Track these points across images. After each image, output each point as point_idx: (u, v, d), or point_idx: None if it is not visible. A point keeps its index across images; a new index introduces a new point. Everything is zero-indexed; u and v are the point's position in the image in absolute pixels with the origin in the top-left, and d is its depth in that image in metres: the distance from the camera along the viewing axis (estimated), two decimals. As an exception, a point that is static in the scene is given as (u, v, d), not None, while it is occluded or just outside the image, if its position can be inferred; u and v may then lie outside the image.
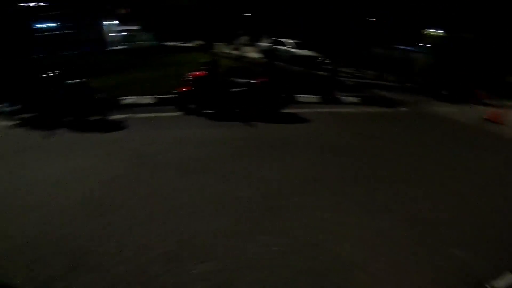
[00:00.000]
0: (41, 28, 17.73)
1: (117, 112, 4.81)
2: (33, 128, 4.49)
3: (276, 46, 12.55)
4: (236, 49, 13.34)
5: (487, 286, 1.04)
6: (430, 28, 11.31)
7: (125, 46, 21.87)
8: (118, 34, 26.42)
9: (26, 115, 4.73)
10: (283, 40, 12.47)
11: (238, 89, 4.71)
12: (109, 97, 4.50)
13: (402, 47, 11.01)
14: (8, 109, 4.84)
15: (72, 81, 4.38)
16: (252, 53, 14.64)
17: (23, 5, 15.14)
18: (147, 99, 5.48)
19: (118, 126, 4.39)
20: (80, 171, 2.98)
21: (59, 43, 15.00)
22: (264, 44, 14.25)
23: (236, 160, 3.26)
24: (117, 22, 24.78)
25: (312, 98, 6.50)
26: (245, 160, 3.25)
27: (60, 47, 14.30)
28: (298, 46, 11.96)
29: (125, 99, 5.42)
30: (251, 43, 16.39)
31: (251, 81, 4.81)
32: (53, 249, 1.89)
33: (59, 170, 3.02)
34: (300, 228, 2.15)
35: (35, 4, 16.03)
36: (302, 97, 6.29)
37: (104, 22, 22.75)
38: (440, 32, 11.20)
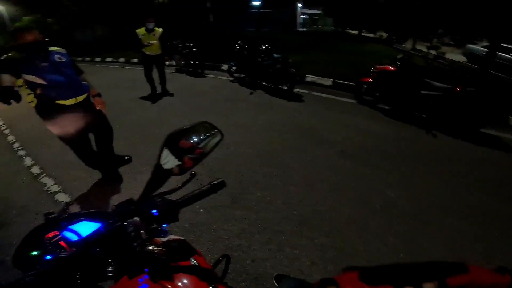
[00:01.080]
0: (251, 6, 21.61)
1: (299, 86, 5.60)
2: (242, 85, 6.13)
3: (499, 53, 9.55)
4: (432, 47, 11.35)
5: None
6: None
7: (306, 29, 23.06)
8: (302, 16, 28.26)
9: (240, 75, 6.54)
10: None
11: (431, 92, 4.16)
12: (298, 73, 5.24)
13: None
14: (229, 68, 6.78)
15: (278, 55, 5.43)
16: (454, 55, 12.00)
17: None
18: (326, 81, 5.94)
19: (298, 98, 5.15)
20: (263, 122, 3.92)
21: (262, 21, 18.15)
22: (475, 47, 11.24)
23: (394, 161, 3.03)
24: (301, 5, 26.41)
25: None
26: (403, 169, 2.97)
27: (262, 24, 17.31)
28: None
29: (307, 76, 6.10)
30: (454, 43, 13.29)
31: (450, 86, 4.09)
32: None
33: (247, 119, 4.09)
34: None
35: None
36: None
37: (297, 4, 24.91)
38: None
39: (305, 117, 4.22)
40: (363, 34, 20.35)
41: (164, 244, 0.64)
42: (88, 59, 16.15)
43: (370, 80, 4.78)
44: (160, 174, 0.65)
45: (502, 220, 2.18)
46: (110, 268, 0.61)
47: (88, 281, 0.62)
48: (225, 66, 7.82)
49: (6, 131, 5.00)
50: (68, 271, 0.61)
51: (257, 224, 2.15)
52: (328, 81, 5.92)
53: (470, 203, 2.37)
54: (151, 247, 0.60)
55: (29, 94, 2.19)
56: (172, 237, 0.69)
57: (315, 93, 5.47)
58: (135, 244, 0.61)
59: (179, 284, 0.58)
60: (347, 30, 21.93)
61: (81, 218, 0.70)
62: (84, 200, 2.61)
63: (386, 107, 4.69)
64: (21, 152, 3.95)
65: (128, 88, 6.90)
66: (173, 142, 0.65)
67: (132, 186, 2.78)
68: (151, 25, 5.15)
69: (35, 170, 3.33)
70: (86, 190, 2.80)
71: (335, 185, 2.59)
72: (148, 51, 5.33)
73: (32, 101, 2.22)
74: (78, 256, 0.63)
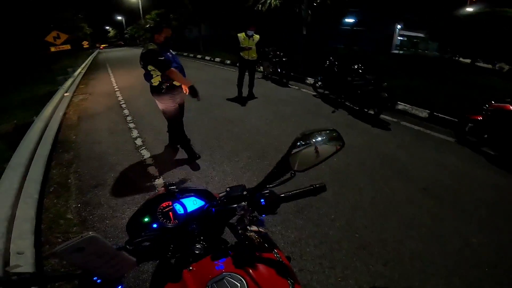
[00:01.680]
0: (344, 22, 20.90)
1: (387, 113, 5.20)
2: (325, 102, 6.09)
3: None
4: None
5: None
6: None
7: (403, 52, 21.18)
8: (401, 39, 26.03)
9: (324, 91, 6.50)
10: None
11: None
12: (390, 99, 4.88)
13: None
14: (315, 83, 6.82)
15: (371, 76, 5.18)
16: None
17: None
18: (421, 112, 5.36)
19: (384, 126, 4.84)
20: None
21: (353, 39, 17.53)
22: None
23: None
24: (401, 26, 24.16)
25: None
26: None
27: (353, 42, 16.73)
28: None
29: (399, 104, 5.62)
30: None
31: None
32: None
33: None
34: None
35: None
36: None
37: (397, 25, 23.03)
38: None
39: (389, 147, 3.97)
40: (477, 63, 17.34)
41: (256, 233, 0.67)
42: (191, 55, 18.69)
43: (480, 118, 4.08)
44: (283, 168, 0.69)
45: None
46: (198, 246, 0.67)
47: (177, 254, 0.70)
48: (310, 80, 7.90)
49: (124, 106, 6.27)
50: (165, 242, 0.70)
51: (315, 236, 2.21)
52: (423, 112, 5.32)
53: None
54: (250, 233, 0.64)
55: (157, 75, 2.90)
56: (255, 228, 0.71)
57: (405, 123, 5.01)
58: (238, 227, 0.67)
59: (260, 273, 0.59)
60: (457, 58, 19.08)
61: (192, 194, 0.77)
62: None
63: (492, 152, 3.95)
64: (131, 125, 4.89)
65: (220, 87, 7.73)
66: (303, 140, 0.70)
67: (210, 174, 3.12)
68: (251, 32, 5.64)
69: (138, 142, 4.10)
70: (175, 167, 3.27)
71: (409, 219, 2.44)
72: (245, 56, 5.86)
73: (157, 82, 2.94)
74: (178, 229, 0.72)
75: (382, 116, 5.11)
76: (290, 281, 0.60)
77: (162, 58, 2.75)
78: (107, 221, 2.43)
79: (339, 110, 5.57)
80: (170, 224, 0.73)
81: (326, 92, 6.56)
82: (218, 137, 4.20)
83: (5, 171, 2.68)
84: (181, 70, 3.01)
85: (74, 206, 2.64)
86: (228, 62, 13.23)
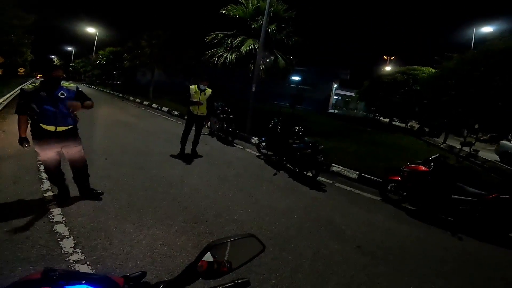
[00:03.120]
0: (290, 80, 22.46)
1: (324, 175, 5.65)
2: (267, 163, 6.35)
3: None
4: (466, 144, 11.21)
5: None
6: None
7: (337, 111, 23.90)
8: (336, 97, 29.53)
9: (268, 152, 6.82)
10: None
11: (463, 197, 4.07)
12: (325, 162, 5.36)
13: None
14: (259, 143, 7.12)
15: (309, 139, 5.71)
16: (486, 153, 11.70)
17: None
18: (351, 173, 5.98)
19: (321, 188, 5.29)
20: (284, 207, 4.01)
21: (297, 97, 19.47)
22: (509, 144, 10.99)
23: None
24: (336, 85, 27.23)
25: None
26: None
27: (296, 101, 18.60)
28: None
29: (333, 166, 6.20)
30: (489, 140, 13.04)
31: (482, 192, 4.03)
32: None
33: (268, 201, 4.25)
34: None
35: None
36: None
37: (333, 85, 25.99)
38: None
39: (325, 209, 4.28)
40: (393, 123, 20.75)
41: None
42: (138, 100, 18.14)
43: (399, 178, 4.78)
44: (191, 276, 0.66)
45: None
46: None
47: None
48: (255, 139, 8.29)
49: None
50: None
51: None
52: (353, 174, 5.97)
53: None
54: None
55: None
56: None
57: (338, 184, 5.52)
58: None
59: None
60: (378, 117, 22.54)
61: (82, 281, 0.64)
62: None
63: (411, 208, 4.62)
64: (44, 175, 4.13)
65: (163, 140, 7.47)
66: (214, 249, 0.67)
67: (137, 238, 2.77)
68: (204, 87, 5.76)
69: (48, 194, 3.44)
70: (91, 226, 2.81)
71: (346, 279, 2.58)
72: (195, 111, 5.79)
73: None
74: None
75: (319, 178, 5.52)
76: None
77: (21, 101, 2.83)
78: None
79: (281, 173, 5.88)
80: None
81: (270, 153, 6.91)
82: (152, 198, 3.86)
83: None
84: (62, 115, 2.94)
85: None
86: (176, 113, 13.23)
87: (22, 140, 2.98)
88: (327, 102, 23.36)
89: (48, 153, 3.02)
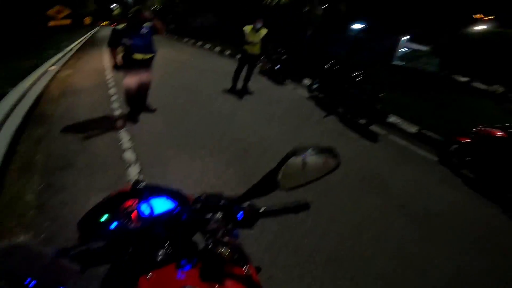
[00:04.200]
0: (350, 29, 20.66)
1: (378, 125, 5.27)
2: (317, 105, 6.10)
3: None
4: None
5: None
6: None
7: (405, 64, 21.40)
8: (405, 50, 26.03)
9: (319, 94, 6.53)
10: None
11: None
12: (384, 111, 4.94)
13: None
14: (311, 85, 6.81)
15: (368, 86, 5.20)
16: None
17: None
18: (409, 127, 5.46)
19: (373, 137, 4.94)
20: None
21: (356, 46, 17.39)
22: None
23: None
24: (408, 38, 24.00)
25: None
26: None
27: (355, 49, 16.67)
28: None
29: (390, 116, 5.71)
30: None
31: None
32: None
33: (311, 142, 4.04)
34: None
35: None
36: None
37: (401, 37, 22.98)
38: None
39: (373, 160, 4.07)
40: (472, 84, 17.63)
41: (229, 246, 0.60)
42: (192, 41, 18.34)
43: (466, 141, 4.18)
44: (269, 184, 0.65)
45: None
46: (162, 252, 0.60)
47: (135, 259, 0.61)
48: (307, 81, 7.89)
49: (110, 85, 6.12)
50: (123, 244, 0.62)
51: (288, 245, 2.22)
52: (412, 128, 5.43)
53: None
54: (222, 245, 0.57)
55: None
56: (228, 239, 0.64)
57: (393, 136, 5.12)
58: (209, 240, 0.59)
59: None
60: (454, 76, 19.35)
61: (163, 194, 0.71)
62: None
63: (471, 176, 4.07)
64: (115, 105, 4.82)
65: (215, 77, 7.63)
66: (295, 155, 0.65)
67: (188, 168, 3.12)
68: (259, 25, 5.52)
69: (119, 123, 4.05)
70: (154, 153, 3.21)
71: (378, 239, 2.50)
72: (249, 50, 5.74)
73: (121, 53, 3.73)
74: (141, 232, 0.65)
75: (372, 127, 5.18)
76: None
77: (113, 38, 3.58)
78: (67, 208, 2.33)
79: (331, 116, 5.63)
80: (132, 226, 0.66)
81: (321, 95, 6.57)
82: (204, 131, 4.16)
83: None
84: (147, 46, 3.65)
85: (35, 187, 2.53)
86: (227, 53, 13.07)
87: (116, 66, 3.77)
88: (391, 54, 20.60)
89: (133, 78, 3.77)
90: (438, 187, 3.63)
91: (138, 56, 3.63)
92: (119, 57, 3.75)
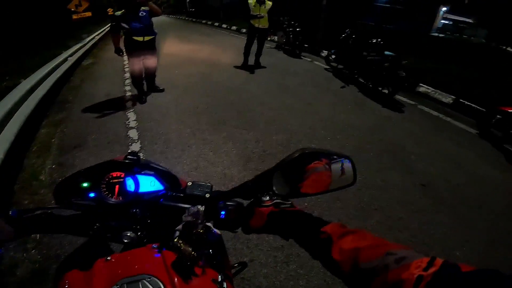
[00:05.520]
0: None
1: (405, 94, 4.67)
2: (336, 76, 5.59)
3: None
4: None
5: None
6: None
7: (446, 36, 19.79)
8: (445, 22, 24.21)
9: (338, 65, 6.00)
10: None
11: None
12: (408, 78, 4.33)
13: None
14: (329, 56, 6.30)
15: (390, 53, 4.62)
16: None
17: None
18: (444, 96, 4.75)
19: (398, 107, 4.33)
20: (327, 120, 3.63)
21: (387, 16, 15.94)
22: None
23: None
24: (447, 8, 22.32)
25: None
26: None
27: (388, 20, 15.25)
28: None
29: (421, 86, 5.03)
30: None
31: None
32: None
33: (327, 112, 3.70)
34: None
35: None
36: None
37: (441, 8, 21.26)
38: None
39: (396, 132, 3.53)
40: (529, 55, 15.42)
41: (207, 240, 0.53)
42: (210, 23, 18.16)
43: (512, 110, 3.48)
44: (262, 186, 0.53)
45: None
46: (130, 234, 0.57)
47: (99, 236, 0.58)
48: (324, 53, 7.34)
49: (127, 69, 6.10)
50: (93, 218, 0.59)
51: None
52: (448, 98, 4.71)
53: None
54: (186, 245, 0.50)
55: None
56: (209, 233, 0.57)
57: (423, 107, 4.47)
58: (181, 232, 0.52)
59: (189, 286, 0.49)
60: (504, 47, 17.07)
61: (152, 173, 0.65)
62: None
63: None
64: (127, 88, 4.84)
65: (229, 53, 7.41)
66: (301, 159, 0.50)
67: (189, 142, 2.99)
68: None
69: (128, 105, 4.07)
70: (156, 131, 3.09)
71: (390, 220, 2.07)
72: (256, 24, 5.51)
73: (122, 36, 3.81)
74: (118, 207, 0.61)
75: (397, 97, 4.58)
76: None
77: (113, 23, 3.73)
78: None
79: (350, 86, 5.07)
80: (112, 200, 0.62)
81: (340, 66, 6.02)
82: (211, 103, 3.98)
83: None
84: (146, 28, 3.71)
85: (49, 166, 2.60)
86: (244, 31, 12.71)
87: (118, 50, 3.92)
88: (430, 25, 18.65)
89: (136, 60, 3.86)
90: (474, 163, 3.00)
91: (139, 38, 3.71)
92: (121, 40, 3.85)
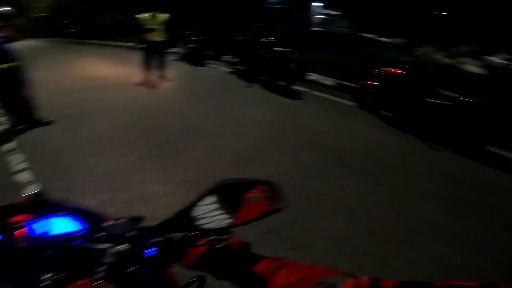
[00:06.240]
0: (269, 2, 21.12)
1: (300, 84, 5.39)
2: (240, 78, 5.95)
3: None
4: (449, 56, 10.78)
5: None
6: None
7: (322, 29, 22.83)
8: (320, 16, 28.06)
9: (240, 67, 6.38)
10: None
11: (439, 101, 3.87)
12: (299, 69, 5.03)
13: None
14: (231, 60, 6.64)
15: (280, 49, 5.23)
16: (472, 67, 11.48)
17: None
18: (328, 81, 5.71)
19: (296, 95, 4.97)
20: (240, 118, 3.82)
21: (275, 17, 17.77)
22: (497, 60, 10.62)
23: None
24: (321, 4, 26.02)
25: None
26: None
27: (276, 20, 16.99)
28: None
29: (310, 75, 5.88)
30: (474, 55, 12.62)
31: (460, 96, 3.80)
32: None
33: (239, 112, 3.92)
34: None
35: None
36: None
37: (313, 4, 24.63)
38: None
39: (300, 116, 4.05)
40: (379, 38, 19.83)
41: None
42: (97, 42, 16.20)
43: (374, 83, 4.52)
44: (184, 224, 0.50)
45: (491, 247, 1.94)
46: (47, 277, 0.50)
47: (12, 282, 0.52)
48: (226, 57, 7.70)
49: None
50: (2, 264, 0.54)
51: None
52: (330, 81, 5.69)
53: (463, 228, 2.13)
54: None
55: None
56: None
57: (315, 92, 5.27)
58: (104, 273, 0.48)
59: None
60: (363, 34, 21.47)
61: (71, 213, 0.61)
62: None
63: (388, 114, 4.42)
64: None
65: (125, 72, 6.81)
66: (220, 192, 0.49)
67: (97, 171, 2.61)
68: (156, 11, 5.24)
69: None
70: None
71: (317, 193, 2.37)
72: (151, 37, 5.35)
73: None
74: (29, 251, 0.56)
75: (295, 87, 5.24)
76: None
77: None
78: None
79: (254, 85, 5.47)
80: (18, 244, 0.57)
81: (242, 68, 6.45)
82: (113, 126, 3.59)
83: None
84: (5, 56, 3.41)
85: None
86: (141, 46, 11.97)
87: None
88: (308, 21, 21.87)
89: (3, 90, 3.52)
90: (362, 130, 3.78)
91: (1, 66, 3.44)
92: None
